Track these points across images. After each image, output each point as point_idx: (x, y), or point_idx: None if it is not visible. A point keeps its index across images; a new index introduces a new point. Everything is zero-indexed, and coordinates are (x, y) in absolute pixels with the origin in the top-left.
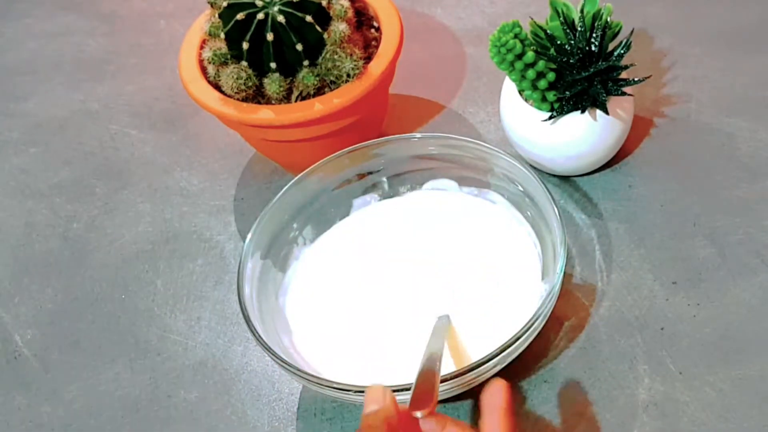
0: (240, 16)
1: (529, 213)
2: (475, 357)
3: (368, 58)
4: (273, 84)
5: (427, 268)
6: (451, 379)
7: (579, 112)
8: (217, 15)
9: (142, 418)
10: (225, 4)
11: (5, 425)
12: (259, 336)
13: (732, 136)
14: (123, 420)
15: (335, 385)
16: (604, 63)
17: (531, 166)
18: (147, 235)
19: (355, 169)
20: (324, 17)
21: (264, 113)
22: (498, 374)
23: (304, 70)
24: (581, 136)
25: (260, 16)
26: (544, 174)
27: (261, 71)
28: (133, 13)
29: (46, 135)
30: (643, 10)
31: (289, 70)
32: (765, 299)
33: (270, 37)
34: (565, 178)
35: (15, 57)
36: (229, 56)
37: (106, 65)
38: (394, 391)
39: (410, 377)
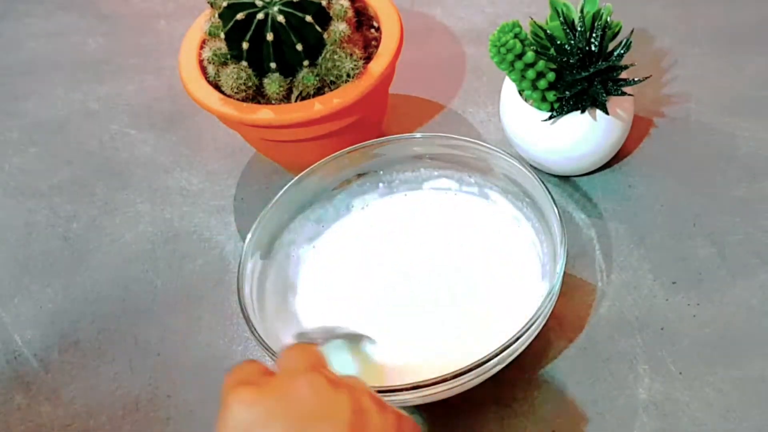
0: (240, 16)
1: (529, 213)
2: (475, 357)
3: (368, 58)
4: (273, 84)
5: (427, 268)
6: (451, 379)
7: (579, 112)
8: (217, 15)
9: (142, 418)
10: (225, 4)
11: (5, 425)
12: (259, 336)
13: (732, 136)
14: (123, 420)
15: None
16: (604, 63)
17: (531, 166)
18: (147, 235)
19: (355, 169)
20: (324, 17)
21: (264, 113)
22: (498, 374)
23: (304, 70)
24: (581, 136)
25: (260, 16)
26: (544, 174)
27: (261, 71)
28: (133, 13)
29: (46, 135)
30: (643, 10)
31: (289, 70)
32: (765, 299)
33: (270, 37)
34: (565, 178)
35: (15, 57)
36: (229, 56)
37: (106, 65)
38: (391, 391)
39: (410, 377)
